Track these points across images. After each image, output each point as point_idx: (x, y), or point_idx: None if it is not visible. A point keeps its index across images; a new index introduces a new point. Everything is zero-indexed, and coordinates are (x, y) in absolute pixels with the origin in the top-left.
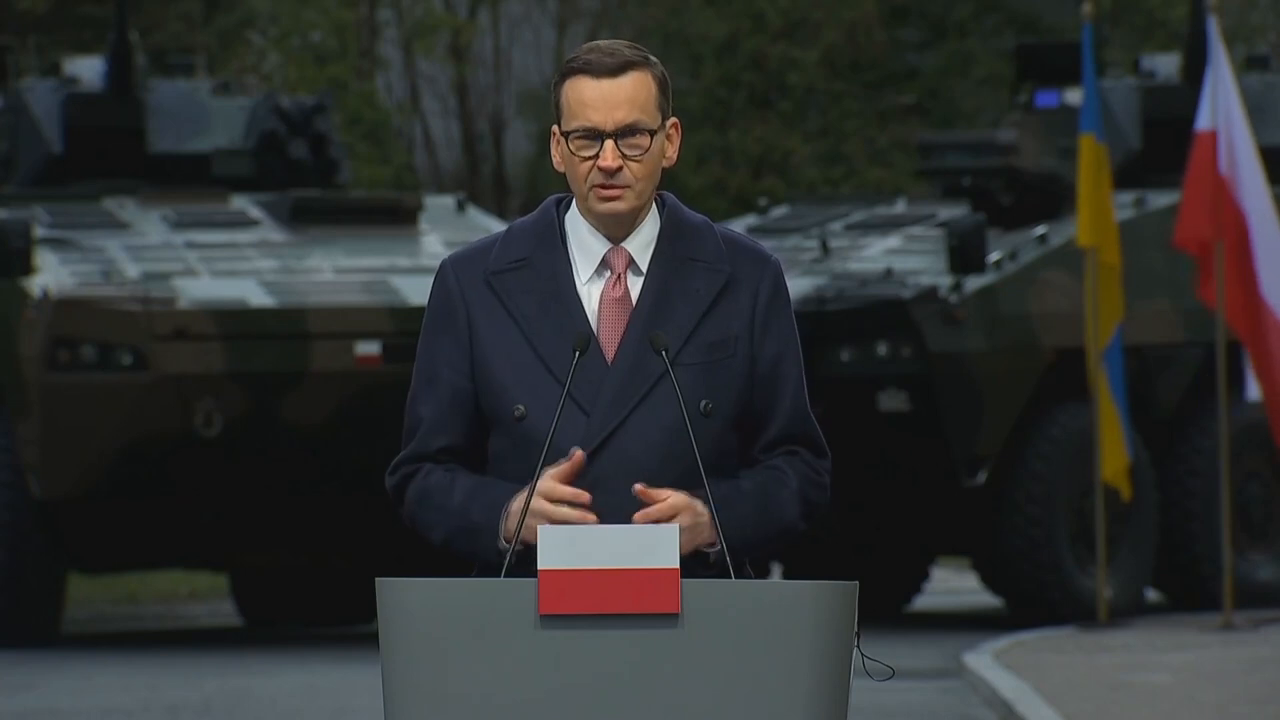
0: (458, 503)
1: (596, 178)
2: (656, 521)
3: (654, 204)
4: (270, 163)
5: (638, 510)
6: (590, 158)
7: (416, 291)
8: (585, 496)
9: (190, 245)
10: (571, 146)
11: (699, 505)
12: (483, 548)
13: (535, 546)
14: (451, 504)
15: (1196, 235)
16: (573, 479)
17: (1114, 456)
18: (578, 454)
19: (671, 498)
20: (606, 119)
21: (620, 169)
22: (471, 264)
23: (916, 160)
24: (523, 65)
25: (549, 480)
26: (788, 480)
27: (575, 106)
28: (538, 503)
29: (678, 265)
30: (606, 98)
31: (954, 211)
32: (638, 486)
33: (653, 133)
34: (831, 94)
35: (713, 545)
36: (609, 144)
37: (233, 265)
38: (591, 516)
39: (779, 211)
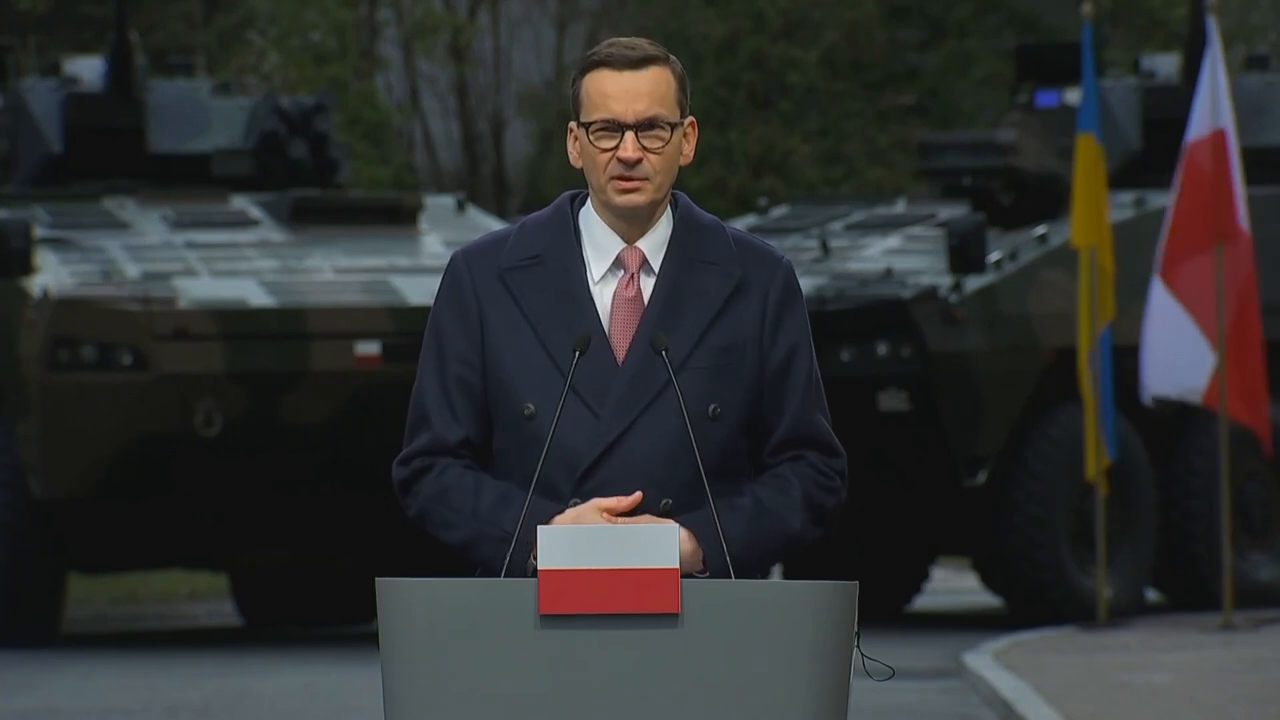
0: (486, 508)
1: (616, 169)
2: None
3: (667, 204)
4: (270, 163)
5: (644, 514)
6: (610, 149)
7: (416, 291)
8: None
9: (190, 245)
10: (592, 138)
11: (682, 534)
12: (512, 559)
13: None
14: (479, 508)
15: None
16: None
17: (1092, 456)
18: (637, 495)
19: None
20: (627, 110)
21: (640, 160)
22: (484, 258)
23: (916, 160)
24: (523, 65)
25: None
26: (790, 489)
27: (596, 98)
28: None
29: (690, 266)
30: (628, 90)
31: (954, 211)
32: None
33: (673, 126)
34: (831, 94)
35: (702, 571)
36: (629, 135)
37: (233, 265)
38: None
39: (779, 211)
